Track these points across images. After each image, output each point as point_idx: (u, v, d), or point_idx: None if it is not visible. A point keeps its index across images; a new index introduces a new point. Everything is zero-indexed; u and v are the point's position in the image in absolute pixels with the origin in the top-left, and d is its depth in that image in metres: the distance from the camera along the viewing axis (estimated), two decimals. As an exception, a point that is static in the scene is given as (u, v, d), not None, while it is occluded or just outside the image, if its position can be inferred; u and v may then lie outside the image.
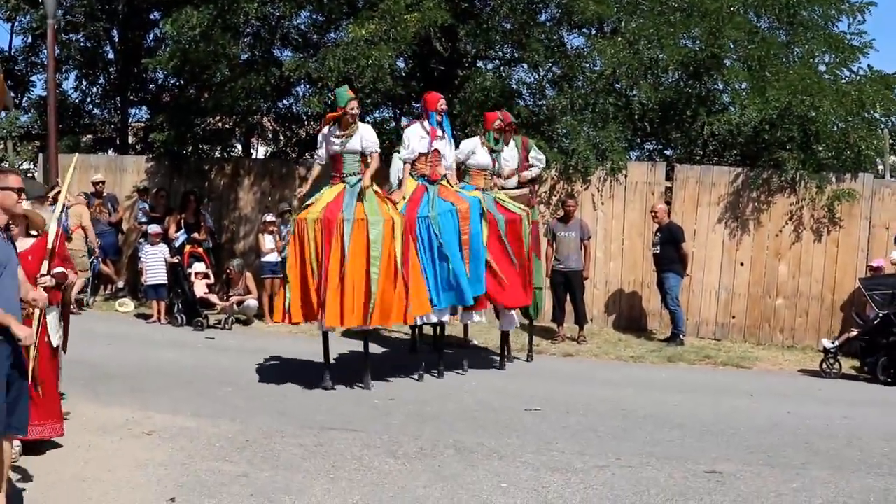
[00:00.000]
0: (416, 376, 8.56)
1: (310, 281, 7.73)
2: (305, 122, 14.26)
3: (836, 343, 9.98)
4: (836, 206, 11.12)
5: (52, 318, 5.43)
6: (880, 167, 12.39)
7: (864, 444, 6.85)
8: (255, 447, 6.04)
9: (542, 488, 5.51)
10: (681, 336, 10.74)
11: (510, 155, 9.54)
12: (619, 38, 11.97)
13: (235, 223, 12.98)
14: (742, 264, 11.43)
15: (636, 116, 12.36)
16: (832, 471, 6.06)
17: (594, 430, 7.09)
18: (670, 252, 10.77)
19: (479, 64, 12.99)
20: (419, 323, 8.75)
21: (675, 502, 5.36)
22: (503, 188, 9.25)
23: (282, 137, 15.11)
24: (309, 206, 7.96)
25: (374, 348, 9.51)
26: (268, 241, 11.51)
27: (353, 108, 7.88)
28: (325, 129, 8.12)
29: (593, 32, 12.69)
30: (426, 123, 8.45)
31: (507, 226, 8.69)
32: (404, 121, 12.75)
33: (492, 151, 9.09)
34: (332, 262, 7.67)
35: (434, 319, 8.61)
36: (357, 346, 8.87)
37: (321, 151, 8.17)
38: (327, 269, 7.64)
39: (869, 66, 12.09)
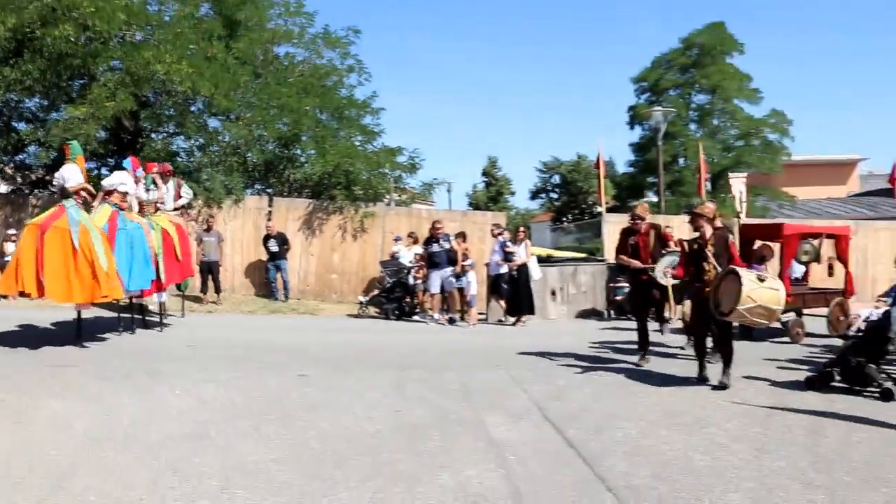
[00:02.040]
0: (118, 331, 11.15)
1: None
2: (35, 170, 18.77)
3: (367, 298, 16.60)
4: (365, 221, 18.37)
5: None
6: (387, 199, 19.89)
7: (384, 353, 10.45)
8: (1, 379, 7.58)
9: (200, 392, 7.41)
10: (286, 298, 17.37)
11: (170, 189, 13.86)
12: (241, 122, 18.31)
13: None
14: (313, 255, 18.33)
15: (251, 169, 18.80)
16: (372, 370, 8.93)
17: (230, 357, 9.45)
18: (282, 248, 17.21)
19: (153, 135, 18.50)
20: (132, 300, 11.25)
21: (282, 391, 7.64)
22: (166, 211, 12.50)
23: (19, 179, 19.42)
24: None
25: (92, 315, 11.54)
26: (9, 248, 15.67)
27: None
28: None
29: (226, 118, 18.73)
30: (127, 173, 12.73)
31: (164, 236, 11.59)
32: (103, 170, 17.74)
33: (147, 189, 11.87)
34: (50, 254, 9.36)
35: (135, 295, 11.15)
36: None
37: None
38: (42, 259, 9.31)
39: (383, 143, 19.98)
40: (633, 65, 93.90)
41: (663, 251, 10.00)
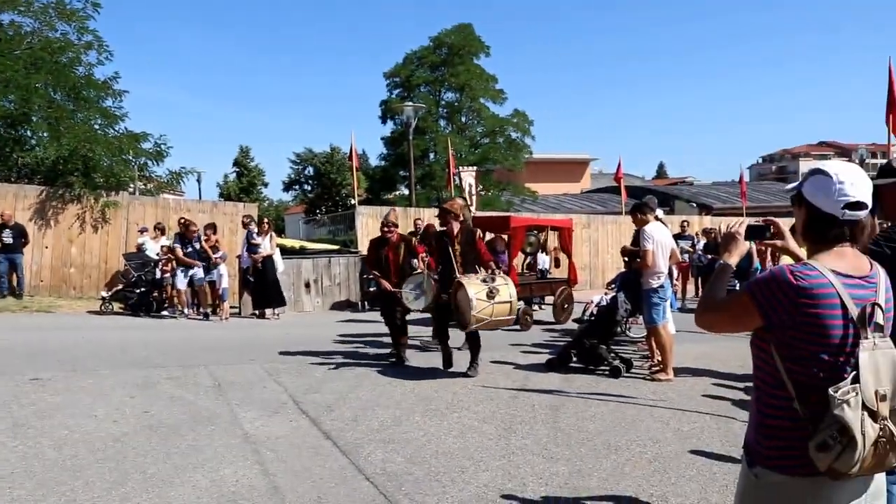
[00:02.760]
0: None
1: None
2: None
3: (110, 293, 15.71)
4: (107, 211, 17.35)
5: None
6: (131, 188, 19.39)
7: (130, 351, 10.08)
8: None
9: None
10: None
11: None
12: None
13: None
14: (47, 247, 17.02)
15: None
16: (117, 369, 8.56)
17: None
18: (18, 241, 15.73)
19: None
20: None
21: (10, 397, 7.08)
22: None
23: None
24: None
25: None
26: None
27: None
28: None
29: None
30: None
31: None
32: None
33: None
34: None
35: None
36: None
37: None
38: None
39: (126, 128, 19.01)
40: (386, 60, 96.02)
41: (412, 269, 9.97)
